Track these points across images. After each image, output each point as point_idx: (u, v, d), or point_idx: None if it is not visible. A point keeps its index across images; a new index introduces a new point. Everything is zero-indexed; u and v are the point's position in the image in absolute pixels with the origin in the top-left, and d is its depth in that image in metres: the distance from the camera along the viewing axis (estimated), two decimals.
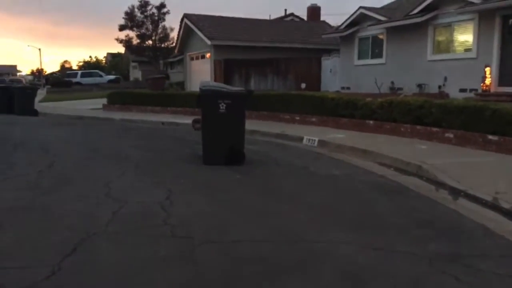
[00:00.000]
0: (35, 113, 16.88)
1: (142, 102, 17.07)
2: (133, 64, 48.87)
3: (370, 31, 17.01)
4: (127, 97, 17.83)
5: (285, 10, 33.57)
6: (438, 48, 14.61)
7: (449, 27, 14.11)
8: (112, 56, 62.99)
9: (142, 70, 42.78)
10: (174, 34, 32.56)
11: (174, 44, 29.78)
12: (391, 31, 16.05)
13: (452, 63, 13.81)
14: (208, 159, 7.01)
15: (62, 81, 40.14)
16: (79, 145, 9.25)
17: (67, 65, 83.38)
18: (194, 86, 22.85)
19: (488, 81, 12.36)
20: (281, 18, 30.44)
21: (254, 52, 21.20)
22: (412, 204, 5.06)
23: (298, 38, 23.12)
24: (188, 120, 12.27)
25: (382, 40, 16.70)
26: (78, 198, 5.03)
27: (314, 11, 27.76)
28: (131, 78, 48.23)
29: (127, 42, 34.85)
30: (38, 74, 67.38)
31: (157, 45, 34.59)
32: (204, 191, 5.53)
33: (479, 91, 12.49)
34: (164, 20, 34.40)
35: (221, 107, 6.94)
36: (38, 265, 3.23)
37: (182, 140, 10.17)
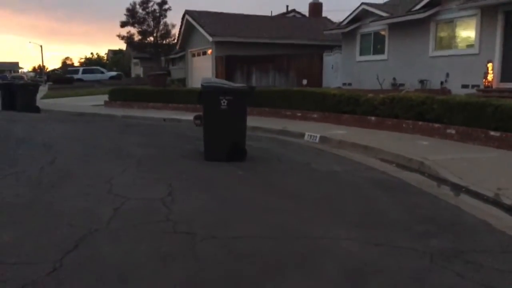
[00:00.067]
0: (37, 109, 16.87)
1: (144, 98, 17.07)
2: (135, 60, 48.85)
3: (372, 27, 16.95)
4: (129, 94, 17.83)
5: (287, 6, 33.50)
6: (440, 44, 14.56)
7: (451, 23, 14.05)
8: (113, 53, 62.99)
9: (144, 67, 42.77)
10: (175, 31, 32.55)
11: (175, 41, 29.76)
12: (393, 27, 16.00)
13: (454, 59, 13.77)
14: (210, 156, 7.01)
15: (64, 78, 40.11)
16: (80, 141, 9.25)
17: (68, 62, 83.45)
18: (195, 82, 22.84)
19: (490, 77, 12.31)
20: (283, 14, 30.39)
21: (256, 49, 21.17)
22: (414, 200, 5.06)
23: (299, 35, 23.08)
24: (189, 116, 12.25)
25: (384, 36, 16.65)
26: (79, 195, 5.04)
27: (315, 7, 27.68)
28: (133, 75, 48.25)
29: (128, 39, 34.84)
30: (39, 70, 67.42)
31: (159, 41, 34.57)
32: (206, 187, 5.53)
33: (481, 87, 12.45)
34: (165, 16, 34.39)
35: (223, 104, 6.93)
36: (39, 261, 3.24)
37: (183, 136, 10.17)
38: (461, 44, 13.86)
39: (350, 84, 17.85)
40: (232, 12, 25.00)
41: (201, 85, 7.18)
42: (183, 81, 26.38)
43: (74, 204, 4.67)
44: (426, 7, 14.28)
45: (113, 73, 43.89)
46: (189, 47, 25.58)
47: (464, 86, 13.15)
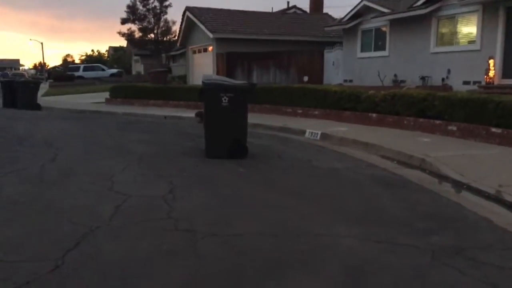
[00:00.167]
0: (38, 107, 16.89)
1: (145, 96, 17.07)
2: (135, 57, 48.79)
3: (373, 23, 16.90)
4: (130, 91, 17.83)
5: (288, 2, 33.42)
6: (442, 40, 14.52)
7: (452, 19, 14.00)
8: (114, 50, 62.88)
9: (144, 64, 42.73)
10: (176, 27, 32.48)
11: (176, 38, 29.70)
12: (394, 23, 15.95)
13: (456, 55, 13.73)
14: (211, 153, 7.01)
15: (65, 75, 40.11)
16: (81, 139, 9.26)
17: (69, 59, 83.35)
18: (196, 79, 22.81)
19: (491, 73, 12.28)
20: (284, 10, 30.29)
21: (257, 45, 21.12)
22: (415, 197, 5.06)
23: (300, 31, 23.01)
24: (190, 113, 12.26)
25: (385, 32, 16.61)
26: (81, 192, 5.05)
27: (316, 3, 27.57)
28: (133, 72, 48.19)
29: (129, 36, 34.80)
30: (40, 68, 67.42)
31: (159, 38, 34.53)
32: (207, 184, 5.54)
33: (483, 83, 12.42)
34: (166, 13, 34.33)
35: (224, 101, 6.92)
36: (41, 259, 3.25)
37: (184, 133, 10.18)
38: (463, 40, 13.82)
39: (351, 81, 17.82)
40: (233, 8, 24.91)
41: (202, 82, 7.17)
42: (183, 78, 26.35)
43: (75, 201, 4.68)
44: (427, 3, 14.23)
45: (114, 71, 43.85)
46: (189, 44, 25.53)
47: (466, 83, 13.11)
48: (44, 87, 29.47)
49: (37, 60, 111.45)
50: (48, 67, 68.88)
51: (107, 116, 14.42)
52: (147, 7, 33.54)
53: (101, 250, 3.43)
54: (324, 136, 9.09)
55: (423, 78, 14.50)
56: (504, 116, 7.46)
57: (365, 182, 5.75)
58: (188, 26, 24.40)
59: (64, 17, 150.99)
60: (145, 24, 33.77)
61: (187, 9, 23.52)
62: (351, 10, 17.78)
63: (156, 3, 33.55)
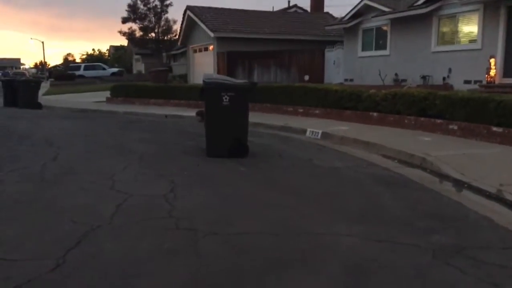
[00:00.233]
0: (38, 106, 16.91)
1: (145, 95, 17.07)
2: (136, 56, 48.79)
3: (374, 22, 16.89)
4: (130, 90, 17.83)
5: (288, 1, 33.43)
6: (443, 39, 14.50)
7: (453, 18, 13.98)
8: (115, 49, 62.89)
9: (145, 63, 42.73)
10: (177, 27, 32.46)
11: (177, 37, 29.70)
12: (395, 22, 15.93)
13: (457, 55, 13.71)
14: (212, 152, 7.01)
15: (66, 74, 40.15)
16: (82, 138, 9.27)
17: (70, 58, 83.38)
18: (197, 78, 22.82)
19: (493, 72, 12.26)
20: (285, 9, 30.29)
21: (257, 44, 21.11)
22: (416, 196, 5.05)
23: (301, 30, 23.00)
24: (191, 112, 12.27)
25: (386, 31, 16.59)
26: (82, 191, 5.05)
27: (317, 2, 27.54)
28: (134, 71, 48.21)
29: (130, 35, 34.78)
30: (41, 67, 67.45)
31: (160, 37, 34.50)
32: (208, 183, 5.54)
33: (484, 82, 12.40)
34: (167, 12, 34.28)
35: (225, 100, 6.92)
36: (42, 258, 3.25)
37: (185, 132, 10.18)
38: (464, 39, 13.80)
39: (352, 80, 17.81)
40: (233, 7, 24.91)
41: (203, 81, 7.18)
42: (184, 77, 26.34)
43: (76, 200, 4.69)
44: (428, 2, 14.21)
45: (115, 70, 43.90)
46: (190, 43, 25.53)
47: (467, 82, 13.10)
48: (45, 86, 29.50)
49: (38, 59, 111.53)
50: (49, 66, 68.96)
51: (108, 115, 14.42)
52: (148, 6, 33.50)
53: (102, 249, 3.44)
54: (325, 135, 9.08)
55: (424, 77, 14.49)
56: (505, 115, 7.45)
57: (366, 181, 5.75)
58: (189, 25, 24.39)
59: (64, 16, 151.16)
60: (146, 23, 33.75)
61: (188, 8, 23.51)
62: (352, 9, 17.77)
63: (157, 2, 33.52)
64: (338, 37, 20.47)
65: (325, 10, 27.90)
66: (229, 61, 20.70)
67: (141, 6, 33.45)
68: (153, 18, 33.85)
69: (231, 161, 6.71)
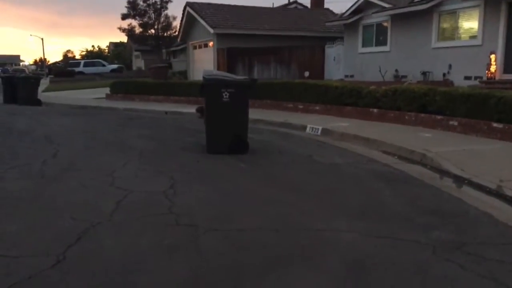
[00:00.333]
0: (38, 103, 16.89)
1: (145, 91, 17.05)
2: (136, 53, 48.74)
3: (375, 18, 16.84)
4: (130, 87, 17.82)
5: None
6: (443, 35, 14.47)
7: (454, 14, 13.95)
8: (114, 46, 62.77)
9: (145, 59, 42.67)
10: (176, 23, 32.44)
11: (176, 33, 29.65)
12: (395, 18, 15.89)
13: (457, 51, 13.69)
14: (212, 148, 7.01)
15: (65, 71, 40.09)
16: (82, 134, 9.26)
17: (70, 55, 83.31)
18: (197, 75, 22.78)
19: (493, 68, 12.24)
20: (285, 6, 30.25)
21: (257, 41, 21.08)
22: (416, 192, 5.05)
23: (301, 26, 22.94)
24: (191, 109, 12.25)
25: (386, 27, 16.55)
26: (82, 188, 5.05)
27: None
28: (134, 68, 48.14)
29: (129, 31, 34.75)
30: (41, 63, 67.35)
31: (160, 34, 34.47)
32: (208, 180, 5.54)
33: (484, 78, 12.39)
34: (166, 8, 34.27)
35: (225, 96, 6.91)
36: (43, 254, 3.25)
37: (185, 129, 10.17)
38: (464, 35, 13.77)
39: (352, 76, 17.78)
40: (233, 3, 24.83)
41: (203, 77, 7.16)
42: (184, 73, 26.31)
43: (76, 197, 4.69)
44: None
45: (114, 66, 43.83)
46: (190, 40, 25.48)
47: (467, 78, 13.08)
48: (44, 82, 29.48)
49: (38, 56, 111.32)
50: (49, 63, 68.86)
51: (108, 111, 14.41)
52: (148, 2, 33.46)
53: (102, 246, 3.44)
54: (325, 131, 9.07)
55: (424, 73, 14.46)
56: (506, 111, 7.44)
57: (366, 177, 5.74)
58: (189, 22, 24.34)
59: (64, 12, 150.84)
60: (145, 19, 33.71)
61: (188, 4, 23.46)
62: (352, 5, 17.73)
63: None
64: (338, 33, 20.43)
65: (325, 6, 27.86)
66: (229, 57, 20.66)
67: (141, 3, 33.42)
68: (152, 14, 33.82)
69: (231, 157, 6.70)
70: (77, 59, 60.84)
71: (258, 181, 5.55)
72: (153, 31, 34.38)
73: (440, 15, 14.39)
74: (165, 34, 34.97)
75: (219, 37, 21.35)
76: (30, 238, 3.58)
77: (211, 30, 21.25)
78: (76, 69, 40.21)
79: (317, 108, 11.45)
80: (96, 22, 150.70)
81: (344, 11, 19.06)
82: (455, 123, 8.28)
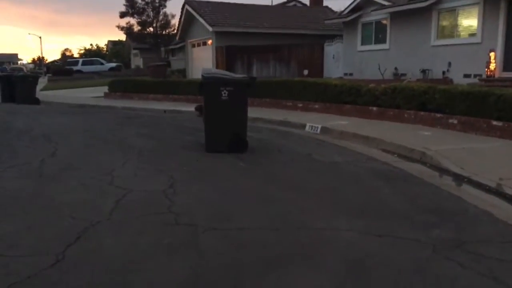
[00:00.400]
0: (36, 101, 16.85)
1: (144, 90, 17.02)
2: (134, 51, 48.68)
3: (374, 16, 16.82)
4: (129, 85, 17.78)
5: None
6: (442, 33, 14.45)
7: (453, 11, 13.93)
8: (113, 44, 62.68)
9: (144, 58, 42.62)
10: (175, 21, 32.42)
11: (175, 31, 29.58)
12: (394, 16, 15.87)
13: (456, 48, 13.67)
14: (211, 147, 6.99)
15: (63, 69, 40.02)
16: (81, 133, 9.24)
17: (68, 53, 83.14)
18: (195, 73, 22.74)
19: (492, 66, 12.23)
20: (284, 3, 30.14)
21: (256, 39, 21.03)
22: (415, 191, 5.05)
23: (300, 24, 22.90)
24: (190, 107, 12.23)
25: (385, 25, 16.53)
26: (81, 187, 5.04)
27: None
28: (132, 66, 48.07)
29: (128, 29, 34.70)
30: (39, 62, 67.20)
31: (158, 32, 34.42)
32: (207, 178, 5.53)
33: (484, 76, 12.38)
34: (165, 6, 34.22)
35: (223, 95, 6.90)
36: (42, 254, 3.25)
37: (184, 127, 10.15)
38: (463, 33, 13.75)
39: (351, 74, 17.76)
40: (232, 1, 24.76)
41: (202, 76, 7.14)
42: (183, 72, 26.27)
43: (75, 196, 4.68)
44: None
45: (113, 64, 43.75)
46: (189, 38, 25.42)
47: (466, 76, 13.07)
48: (42, 81, 29.44)
49: (36, 54, 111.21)
50: (47, 61, 68.69)
51: (106, 110, 14.39)
52: (146, 0, 33.38)
53: (102, 245, 3.43)
54: (324, 129, 9.07)
55: (423, 71, 14.45)
56: (505, 109, 7.44)
57: (366, 175, 5.74)
58: (187, 20, 24.28)
59: (62, 11, 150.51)
60: (144, 17, 33.66)
61: (186, 2, 23.39)
62: (351, 3, 17.69)
63: None
64: (338, 31, 20.39)
65: (324, 4, 27.81)
66: (228, 55, 20.62)
67: (139, 1, 33.39)
68: (151, 12, 33.76)
69: (230, 156, 6.69)
70: (76, 58, 60.70)
71: (257, 180, 5.54)
72: (151, 29, 34.35)
73: (440, 13, 14.37)
74: (164, 32, 34.93)
75: (218, 35, 21.30)
76: (29, 238, 3.57)
77: (210, 28, 21.20)
78: (75, 68, 40.12)
79: (316, 106, 11.43)
80: (94, 20, 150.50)
81: (343, 9, 19.03)
82: (455, 121, 8.27)
